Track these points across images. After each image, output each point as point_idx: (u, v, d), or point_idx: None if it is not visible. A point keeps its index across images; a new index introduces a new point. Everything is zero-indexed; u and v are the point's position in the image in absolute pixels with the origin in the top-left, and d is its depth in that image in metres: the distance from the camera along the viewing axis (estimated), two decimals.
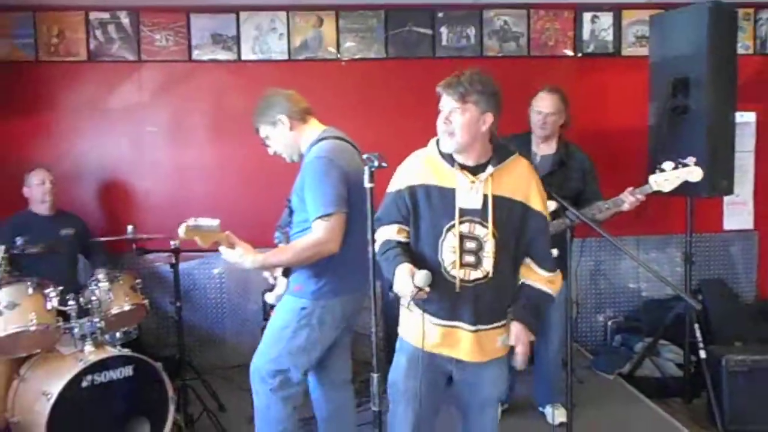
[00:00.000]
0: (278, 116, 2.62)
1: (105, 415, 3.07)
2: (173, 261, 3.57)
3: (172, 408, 3.25)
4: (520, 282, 2.28)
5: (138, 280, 3.63)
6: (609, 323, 4.82)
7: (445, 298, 2.21)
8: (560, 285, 2.32)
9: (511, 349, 2.25)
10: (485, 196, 2.18)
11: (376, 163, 2.05)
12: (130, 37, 4.57)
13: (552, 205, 3.11)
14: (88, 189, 4.60)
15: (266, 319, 4.14)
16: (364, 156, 2.08)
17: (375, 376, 2.01)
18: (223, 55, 4.60)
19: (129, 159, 4.64)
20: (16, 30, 4.52)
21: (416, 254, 2.24)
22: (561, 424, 3.46)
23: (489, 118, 2.17)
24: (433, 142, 2.30)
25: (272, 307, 4.02)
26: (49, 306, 3.18)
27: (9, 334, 3.08)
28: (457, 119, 2.16)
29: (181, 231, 2.29)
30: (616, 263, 4.85)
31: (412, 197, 2.24)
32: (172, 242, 3.58)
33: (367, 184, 2.05)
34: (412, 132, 4.29)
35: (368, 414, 3.56)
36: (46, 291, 3.20)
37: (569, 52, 4.81)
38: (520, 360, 2.22)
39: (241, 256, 2.47)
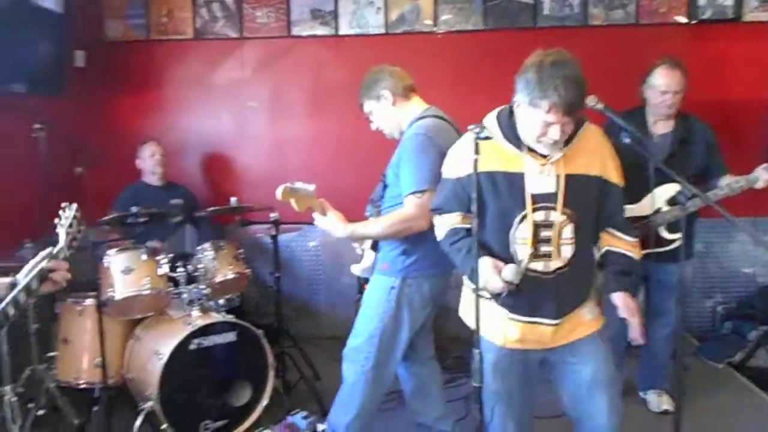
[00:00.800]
0: (382, 91, 2.66)
1: (210, 376, 3.29)
2: (273, 233, 3.74)
3: (271, 374, 3.44)
4: (604, 249, 2.18)
5: (240, 250, 3.83)
6: (718, 309, 4.62)
7: (521, 294, 2.08)
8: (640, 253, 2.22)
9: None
10: (558, 177, 2.05)
11: (482, 134, 1.98)
12: (233, 15, 4.78)
13: (670, 191, 3.01)
14: (194, 161, 4.88)
15: (360, 292, 4.28)
16: (470, 127, 2.01)
17: (476, 351, 1.99)
18: (321, 30, 4.72)
19: (231, 133, 4.88)
20: (129, 11, 4.83)
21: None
22: (665, 412, 3.41)
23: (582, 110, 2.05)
24: (491, 120, 2.17)
25: (365, 281, 4.19)
26: (160, 272, 3.45)
27: (125, 297, 3.36)
28: (569, 126, 2.02)
29: (279, 192, 2.36)
30: (727, 246, 4.59)
31: (473, 185, 2.06)
32: (272, 215, 3.75)
33: (473, 155, 1.98)
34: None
35: (458, 390, 3.68)
36: (158, 258, 3.47)
37: (683, 19, 4.51)
38: (637, 331, 2.10)
39: (332, 223, 2.54)
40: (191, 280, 3.57)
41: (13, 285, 1.84)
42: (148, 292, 3.38)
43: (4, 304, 1.76)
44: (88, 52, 4.72)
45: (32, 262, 1.87)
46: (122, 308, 3.42)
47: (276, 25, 4.76)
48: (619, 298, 2.11)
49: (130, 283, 3.38)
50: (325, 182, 2.69)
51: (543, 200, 2.05)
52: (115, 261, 3.41)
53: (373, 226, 2.58)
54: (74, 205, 2.04)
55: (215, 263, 3.64)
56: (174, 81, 4.87)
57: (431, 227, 2.46)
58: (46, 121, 3.73)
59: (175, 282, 3.53)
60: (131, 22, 4.84)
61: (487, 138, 1.97)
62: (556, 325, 2.14)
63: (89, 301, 3.47)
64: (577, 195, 2.05)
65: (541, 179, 2.06)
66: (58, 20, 4.12)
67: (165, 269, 3.46)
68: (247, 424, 3.36)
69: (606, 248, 2.18)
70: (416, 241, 2.53)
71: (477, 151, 1.97)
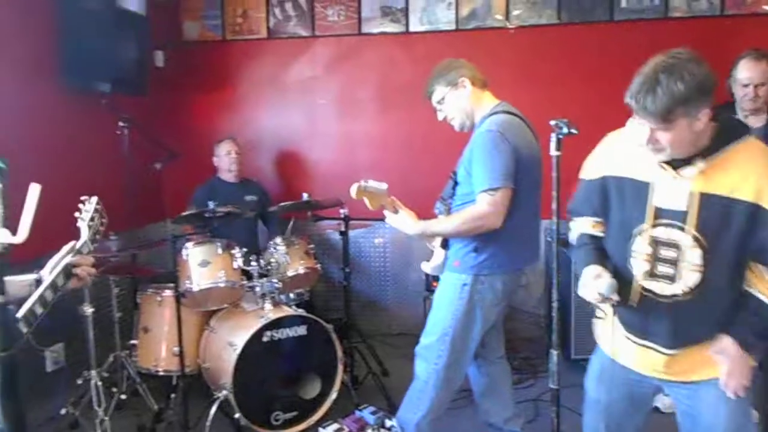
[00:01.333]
0: (461, 78, 2.62)
1: (281, 368, 3.39)
2: (343, 228, 3.83)
3: (340, 368, 3.53)
4: (744, 290, 1.84)
5: (311, 246, 3.93)
6: None
7: (635, 312, 1.93)
8: None
9: None
10: (691, 195, 1.79)
11: (565, 130, 1.84)
12: (305, 14, 4.90)
13: None
14: (267, 157, 5.04)
15: (428, 290, 4.32)
16: (552, 122, 1.88)
17: (555, 353, 1.98)
18: (391, 28, 4.78)
19: (302, 130, 5.00)
20: (205, 12, 5.02)
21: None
22: None
23: (704, 114, 1.74)
24: (633, 121, 1.88)
25: (435, 278, 4.23)
26: (235, 265, 3.58)
27: (202, 289, 3.51)
28: (664, 137, 1.76)
29: (353, 190, 2.41)
30: None
31: (603, 190, 1.97)
32: (341, 211, 3.84)
33: (554, 152, 1.86)
34: (587, 105, 4.29)
35: (527, 391, 3.68)
36: (233, 251, 3.60)
37: None
38: (728, 384, 1.83)
39: (403, 221, 2.57)
40: (264, 273, 3.69)
41: (38, 282, 1.78)
42: (223, 284, 3.52)
43: (32, 302, 1.68)
44: (166, 52, 4.94)
45: (56, 258, 1.82)
46: (199, 299, 3.58)
47: (346, 23, 4.85)
48: (724, 340, 1.84)
49: (206, 276, 3.52)
50: (394, 179, 2.71)
51: (668, 216, 1.84)
52: (192, 254, 3.56)
53: (445, 223, 2.58)
54: (95, 198, 2.00)
55: (287, 258, 3.74)
56: (248, 79, 5.03)
57: (506, 225, 2.45)
58: (129, 118, 3.93)
59: (248, 275, 3.65)
60: (208, 22, 5.03)
61: (571, 133, 1.83)
62: (670, 355, 1.92)
63: (168, 292, 3.64)
64: (713, 218, 1.77)
65: (670, 193, 1.83)
66: (142, 22, 4.31)
67: (239, 263, 3.59)
68: (316, 417, 3.45)
69: (748, 290, 1.84)
70: (488, 238, 2.51)
71: (559, 148, 1.86)
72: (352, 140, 4.95)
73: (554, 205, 1.93)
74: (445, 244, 2.71)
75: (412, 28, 4.76)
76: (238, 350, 3.26)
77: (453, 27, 4.69)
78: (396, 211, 2.59)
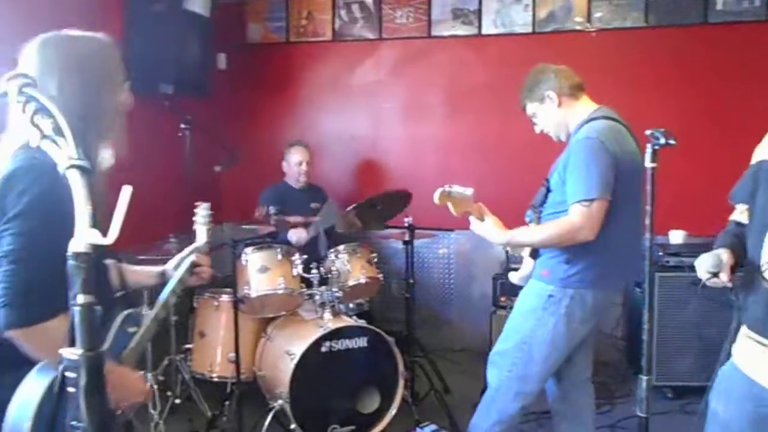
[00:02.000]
0: (546, 92, 2.62)
1: (339, 380, 3.35)
2: (407, 238, 3.78)
3: (401, 383, 3.46)
4: None
5: (374, 254, 3.90)
6: None
7: (759, 308, 1.78)
8: None
9: None
10: None
11: (662, 141, 1.81)
12: (372, 16, 4.89)
13: None
14: (330, 162, 5.05)
15: (495, 304, 4.23)
16: (647, 132, 1.87)
17: (644, 378, 1.90)
18: (462, 30, 4.71)
19: (367, 134, 5.00)
20: (270, 14, 5.08)
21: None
22: None
23: None
24: None
25: (502, 293, 4.14)
26: (294, 272, 3.57)
27: (260, 295, 3.50)
28: None
29: (436, 195, 2.36)
30: None
31: (756, 174, 1.86)
32: (406, 219, 3.79)
33: (649, 164, 1.84)
34: (680, 114, 4.15)
35: (604, 417, 3.53)
36: (293, 258, 3.60)
37: None
38: None
39: (489, 229, 2.52)
40: (324, 281, 3.67)
41: (162, 274, 1.97)
42: (282, 291, 3.51)
43: (167, 293, 1.87)
44: (229, 54, 5.01)
45: (179, 256, 2.00)
46: (256, 306, 3.58)
47: (415, 26, 4.82)
48: None
49: (265, 282, 3.52)
50: (465, 185, 2.68)
51: None
52: (252, 259, 3.57)
53: (534, 233, 2.55)
54: (207, 204, 2.17)
55: (348, 266, 3.72)
56: (311, 83, 5.07)
57: (601, 238, 2.39)
58: (191, 120, 3.99)
59: (308, 283, 3.64)
60: (272, 24, 5.08)
61: (668, 144, 1.80)
62: None
63: (225, 297, 3.65)
64: None
65: None
66: (206, 24, 4.38)
67: (299, 270, 3.58)
68: None
69: None
70: (581, 250, 2.46)
71: (654, 159, 1.83)
72: (418, 145, 4.92)
73: (648, 221, 1.90)
74: (534, 254, 2.66)
75: (485, 31, 4.69)
76: (296, 359, 3.23)
77: (529, 30, 4.59)
78: (482, 219, 2.55)
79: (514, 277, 2.76)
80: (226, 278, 3.54)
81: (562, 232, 2.43)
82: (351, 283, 3.70)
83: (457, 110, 4.81)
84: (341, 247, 3.80)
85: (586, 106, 2.62)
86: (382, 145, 4.98)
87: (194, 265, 1.98)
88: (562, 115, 2.63)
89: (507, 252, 3.56)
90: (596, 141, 2.42)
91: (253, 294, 3.51)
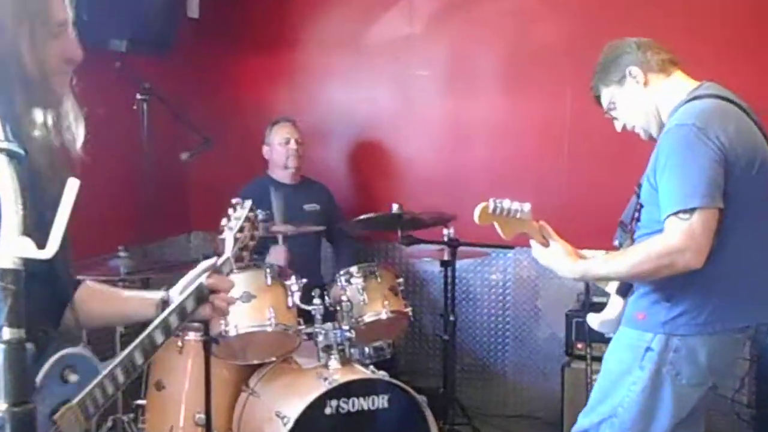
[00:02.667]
0: (627, 69, 2.66)
1: None
2: (446, 257, 3.77)
3: None
4: None
5: (399, 279, 3.89)
6: None
7: None
8: None
9: None
10: None
11: None
12: None
13: None
14: (337, 150, 5.06)
15: (570, 353, 4.20)
16: None
17: None
18: None
19: (391, 113, 5.00)
20: None
21: None
22: None
23: None
24: None
25: (579, 338, 4.09)
26: (290, 302, 3.56)
27: (242, 333, 3.49)
28: None
29: (478, 213, 2.39)
30: None
31: None
32: (445, 231, 3.78)
33: None
34: None
35: None
36: (288, 283, 3.59)
37: None
38: None
39: (556, 257, 2.53)
40: (329, 316, 3.67)
41: (165, 302, 1.90)
42: (272, 329, 3.49)
43: (151, 328, 1.79)
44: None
45: (189, 276, 1.94)
46: (236, 348, 3.58)
47: None
48: None
49: (249, 315, 3.51)
50: (531, 192, 2.68)
51: None
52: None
53: (618, 262, 2.54)
54: (248, 203, 2.18)
55: (364, 296, 3.72)
56: (315, 39, 5.08)
57: (715, 262, 2.38)
58: (149, 89, 4.00)
59: (307, 318, 3.63)
60: None
61: None
62: None
63: (193, 336, 3.64)
64: None
65: None
66: None
67: (296, 299, 3.57)
68: None
69: None
70: (686, 282, 2.44)
71: None
72: (464, 130, 4.90)
73: None
74: (625, 290, 2.66)
75: None
76: (290, 424, 3.23)
77: None
78: (546, 243, 2.55)
79: (594, 321, 2.76)
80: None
81: (655, 257, 2.40)
82: (368, 319, 3.71)
83: (519, 82, 4.79)
84: (354, 269, 3.81)
85: (682, 84, 2.62)
86: (411, 129, 4.97)
87: (208, 291, 1.91)
88: (649, 98, 2.64)
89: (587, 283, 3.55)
90: (693, 128, 2.40)
91: (232, 331, 3.50)
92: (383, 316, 3.73)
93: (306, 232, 4.15)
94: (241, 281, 3.53)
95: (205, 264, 1.96)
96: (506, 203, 2.43)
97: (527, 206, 2.46)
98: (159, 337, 1.79)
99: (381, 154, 5.04)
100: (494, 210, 2.42)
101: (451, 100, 4.92)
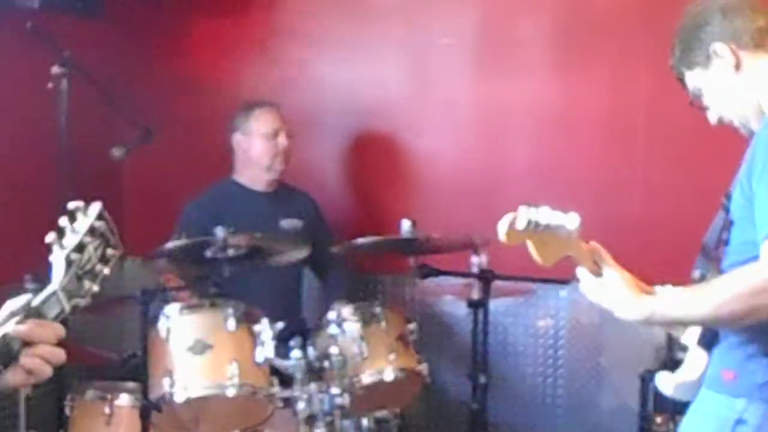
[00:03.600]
0: (713, 46, 2.63)
1: None
2: (476, 296, 3.77)
3: None
4: None
5: (411, 326, 3.90)
6: None
7: None
8: None
9: None
10: None
11: None
12: None
13: None
14: (327, 147, 5.08)
15: (646, 430, 4.17)
16: None
17: None
18: None
19: (402, 96, 5.01)
20: None
21: None
22: None
23: None
24: None
25: (659, 408, 4.07)
26: (259, 356, 3.56)
27: (193, 398, 3.50)
28: None
29: (504, 228, 2.28)
30: None
31: None
32: (474, 259, 3.79)
33: None
34: None
35: None
36: (257, 328, 3.59)
37: None
38: None
39: (614, 291, 2.49)
40: (314, 375, 3.67)
41: None
42: (234, 391, 3.50)
43: None
44: None
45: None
46: (185, 418, 3.58)
47: None
48: None
49: (202, 373, 3.54)
50: (590, 201, 2.64)
51: None
52: (178, 328, 3.58)
53: (698, 299, 2.49)
54: (96, 206, 1.96)
55: (362, 346, 3.73)
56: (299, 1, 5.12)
57: None
58: (70, 60, 3.99)
59: (284, 377, 3.65)
60: None
61: None
62: None
63: (125, 400, 3.68)
64: None
65: None
66: None
67: (268, 351, 3.57)
68: None
69: None
70: None
71: None
72: (501, 120, 4.92)
73: None
74: (709, 340, 2.64)
75: None
76: None
77: None
78: (600, 272, 2.52)
79: (667, 384, 2.73)
80: (128, 364, 3.56)
81: (749, 294, 2.36)
82: (367, 379, 3.73)
83: (576, 56, 4.79)
84: (349, 310, 3.83)
85: None
86: (429, 118, 4.98)
87: (19, 344, 1.78)
88: (745, 83, 2.61)
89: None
90: None
91: (180, 395, 3.51)
92: (388, 375, 3.74)
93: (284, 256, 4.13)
94: (192, 325, 3.59)
95: (14, 304, 1.81)
96: (545, 214, 2.34)
97: (574, 219, 2.38)
98: None
99: (388, 153, 5.04)
100: (528, 224, 2.39)
101: (483, 79, 4.92)
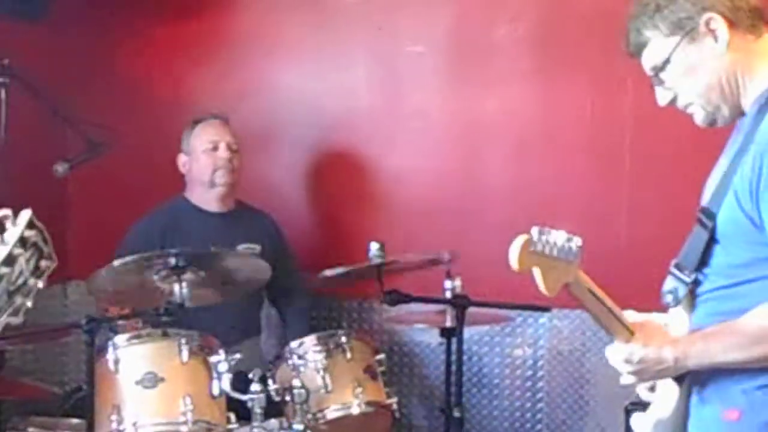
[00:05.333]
0: (704, 16, 2.55)
1: None
2: (448, 323, 3.79)
3: None
4: None
5: (380, 356, 3.89)
6: None
7: None
8: None
9: None
10: None
11: None
12: None
13: None
14: (288, 163, 5.07)
15: None
16: None
17: None
18: None
19: (369, 108, 5.02)
20: None
21: None
22: None
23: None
24: None
25: None
26: (215, 389, 3.54)
27: None
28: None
29: (516, 252, 2.25)
30: None
31: None
32: (448, 283, 3.80)
33: None
34: None
35: None
36: (213, 359, 3.57)
37: None
38: None
39: (633, 341, 2.46)
40: (275, 410, 3.67)
41: None
42: (187, 428, 3.48)
43: None
44: None
45: None
46: None
47: None
48: None
49: (153, 408, 3.51)
50: (579, 226, 2.62)
51: None
52: (127, 360, 3.55)
53: (731, 338, 2.44)
54: (26, 214, 1.93)
55: (327, 380, 3.73)
56: (255, 2, 5.14)
57: None
58: (9, 68, 3.97)
59: (242, 412, 3.62)
60: None
61: None
62: None
63: None
64: None
65: None
66: None
67: (225, 384, 3.55)
68: None
69: None
70: None
71: None
72: (476, 133, 4.93)
73: None
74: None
75: None
76: None
77: None
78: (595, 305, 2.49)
79: (642, 426, 2.69)
80: (72, 399, 3.57)
81: None
82: (332, 414, 3.73)
83: (557, 64, 4.81)
84: (311, 340, 3.84)
85: None
86: (399, 131, 4.99)
87: None
88: (730, 65, 2.56)
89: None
90: None
91: (128, 431, 3.48)
92: (354, 410, 3.73)
93: (240, 282, 4.11)
94: (141, 357, 3.56)
95: None
96: (557, 236, 2.34)
97: (576, 242, 2.38)
98: None
99: (354, 169, 5.04)
100: (542, 247, 2.36)
101: (457, 89, 4.93)
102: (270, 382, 3.68)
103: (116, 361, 3.55)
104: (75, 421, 3.59)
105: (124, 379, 3.54)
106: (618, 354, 2.48)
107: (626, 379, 2.51)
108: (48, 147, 4.08)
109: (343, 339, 3.84)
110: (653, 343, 2.47)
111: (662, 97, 2.67)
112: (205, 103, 4.78)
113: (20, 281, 1.87)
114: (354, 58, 5.05)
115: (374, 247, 3.83)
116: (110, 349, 3.57)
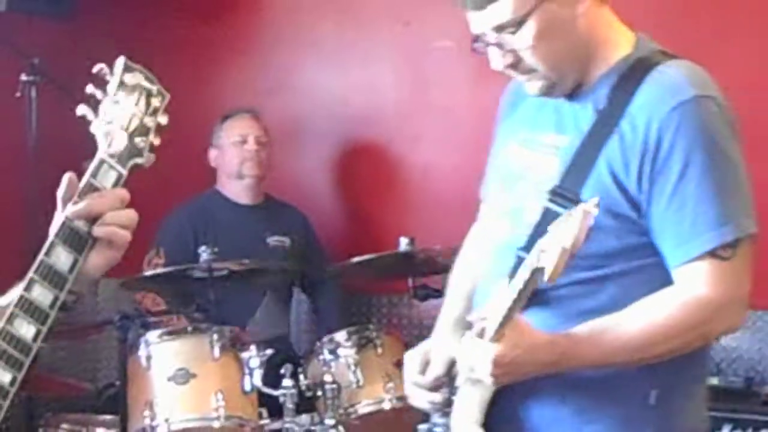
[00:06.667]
0: None
1: None
2: None
3: None
4: None
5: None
6: None
7: None
8: None
9: None
10: None
11: None
12: None
13: None
14: (317, 158, 5.06)
15: None
16: None
17: None
18: None
19: (398, 103, 5.01)
20: None
21: None
22: None
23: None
24: None
25: None
26: (247, 385, 3.54)
27: (175, 430, 3.47)
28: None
29: (553, 264, 2.15)
30: None
31: None
32: None
33: None
34: None
35: None
36: (244, 354, 3.57)
37: None
38: None
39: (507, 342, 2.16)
40: (307, 405, 3.67)
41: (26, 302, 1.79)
42: (219, 423, 3.49)
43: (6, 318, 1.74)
44: None
45: (58, 220, 1.81)
46: None
47: None
48: None
49: (185, 404, 3.53)
50: None
51: None
52: (159, 356, 3.56)
53: (621, 337, 2.23)
54: (120, 60, 1.95)
55: (357, 374, 3.71)
56: (282, 4, 5.15)
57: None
58: (39, 67, 3.97)
59: (274, 408, 3.62)
60: None
61: None
62: None
63: None
64: None
65: None
66: None
67: (256, 379, 3.55)
68: None
69: None
70: (697, 358, 2.37)
71: None
72: None
73: None
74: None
75: None
76: None
77: None
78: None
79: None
80: (104, 395, 3.60)
81: (692, 326, 2.26)
82: (363, 409, 3.72)
83: None
84: (342, 335, 3.82)
85: (620, 27, 2.49)
86: (427, 126, 4.97)
87: (87, 226, 1.80)
88: (587, 31, 2.42)
89: None
90: (722, 107, 2.32)
91: (161, 429, 3.50)
92: (386, 404, 3.73)
93: (272, 276, 4.17)
94: (173, 353, 3.57)
95: (66, 184, 1.83)
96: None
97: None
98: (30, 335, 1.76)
99: (382, 164, 5.04)
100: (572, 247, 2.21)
101: (484, 84, 4.83)
102: (301, 377, 3.67)
103: (148, 358, 3.57)
104: (108, 417, 3.59)
105: (156, 376, 3.55)
106: (484, 353, 2.15)
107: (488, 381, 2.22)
108: (77, 144, 4.07)
109: (374, 334, 3.85)
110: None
111: (499, 61, 2.40)
112: (231, 101, 4.79)
113: (135, 124, 1.88)
114: (381, 54, 5.04)
115: (404, 242, 3.83)
116: (142, 346, 3.58)
